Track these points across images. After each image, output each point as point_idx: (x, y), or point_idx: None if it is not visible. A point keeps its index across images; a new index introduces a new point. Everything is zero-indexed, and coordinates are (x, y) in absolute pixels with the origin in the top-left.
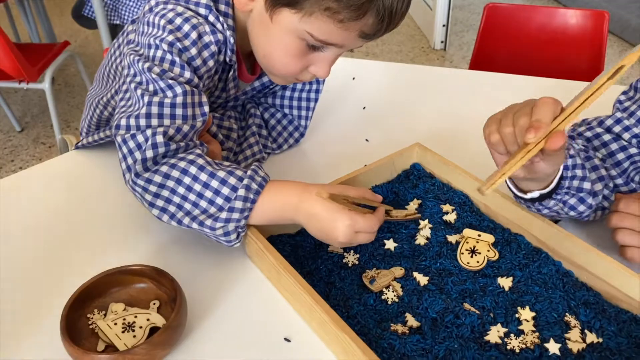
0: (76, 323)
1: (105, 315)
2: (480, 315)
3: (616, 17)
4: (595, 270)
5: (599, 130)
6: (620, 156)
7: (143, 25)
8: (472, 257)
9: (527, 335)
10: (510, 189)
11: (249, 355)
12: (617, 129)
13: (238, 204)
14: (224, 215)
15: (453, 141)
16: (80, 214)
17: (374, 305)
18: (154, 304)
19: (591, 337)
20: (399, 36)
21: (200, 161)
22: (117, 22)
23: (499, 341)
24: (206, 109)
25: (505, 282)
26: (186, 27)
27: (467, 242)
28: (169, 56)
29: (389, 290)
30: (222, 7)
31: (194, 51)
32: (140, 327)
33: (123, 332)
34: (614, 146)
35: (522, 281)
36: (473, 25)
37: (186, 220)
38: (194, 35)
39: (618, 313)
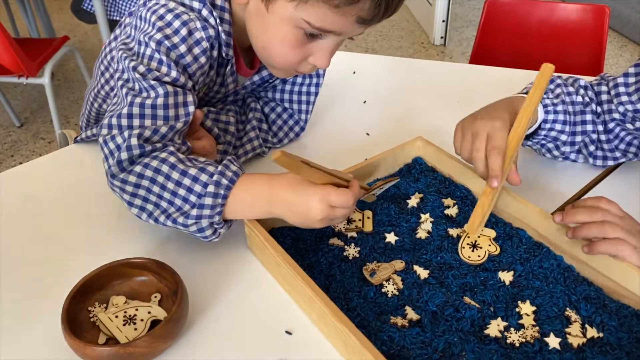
0: (77, 316)
1: (106, 308)
2: (481, 309)
3: (616, 13)
4: (597, 265)
5: (604, 88)
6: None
7: (136, 19)
8: (473, 251)
9: (527, 329)
10: None
11: (251, 348)
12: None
13: (208, 201)
14: (194, 212)
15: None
16: (81, 208)
17: (374, 298)
18: (155, 296)
19: (592, 332)
20: (398, 31)
21: (172, 159)
22: (117, 17)
23: (499, 335)
24: (191, 108)
25: (506, 277)
26: (176, 24)
27: (469, 237)
28: (156, 55)
29: (389, 284)
30: (218, 1)
31: (183, 48)
32: (142, 320)
33: (124, 324)
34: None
35: (523, 275)
36: (473, 21)
37: (162, 218)
38: (183, 31)
39: (619, 308)
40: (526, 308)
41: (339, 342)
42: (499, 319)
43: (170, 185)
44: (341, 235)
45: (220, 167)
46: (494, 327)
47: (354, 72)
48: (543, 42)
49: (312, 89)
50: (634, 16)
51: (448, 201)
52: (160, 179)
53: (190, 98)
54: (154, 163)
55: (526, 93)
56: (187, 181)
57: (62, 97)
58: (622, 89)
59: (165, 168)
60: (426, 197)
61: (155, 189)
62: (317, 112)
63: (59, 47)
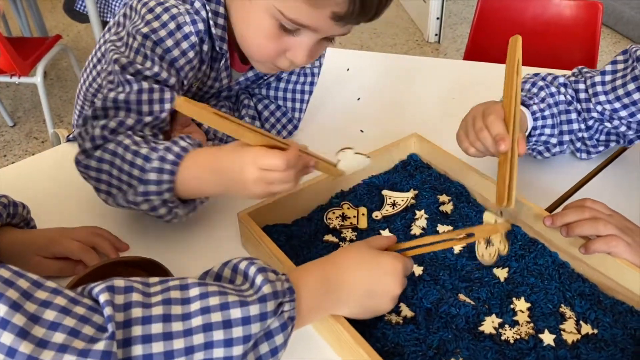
0: None
1: None
2: (475, 305)
3: (610, 9)
4: (592, 261)
5: (582, 86)
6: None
7: (127, 8)
8: (486, 248)
9: (521, 326)
10: None
11: None
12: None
13: (152, 176)
14: (141, 188)
15: (448, 132)
16: (74, 207)
17: None
18: None
19: (586, 329)
20: (393, 29)
21: (127, 141)
22: (109, 19)
23: (494, 332)
24: (167, 106)
25: (501, 273)
26: (165, 17)
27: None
28: (142, 49)
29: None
30: None
31: (170, 42)
32: None
33: None
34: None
35: (518, 272)
36: (467, 18)
37: (121, 200)
38: (172, 25)
39: (614, 304)
40: (521, 305)
41: (332, 339)
42: (494, 315)
43: (125, 166)
44: (335, 232)
45: (168, 143)
46: (489, 324)
47: (348, 69)
48: (536, 38)
49: (307, 88)
50: (628, 12)
51: (443, 197)
52: (117, 161)
53: (167, 95)
54: (111, 146)
55: None
56: (139, 161)
57: (54, 96)
58: (599, 88)
59: (120, 150)
60: (421, 194)
61: (114, 171)
62: (310, 109)
63: (52, 46)
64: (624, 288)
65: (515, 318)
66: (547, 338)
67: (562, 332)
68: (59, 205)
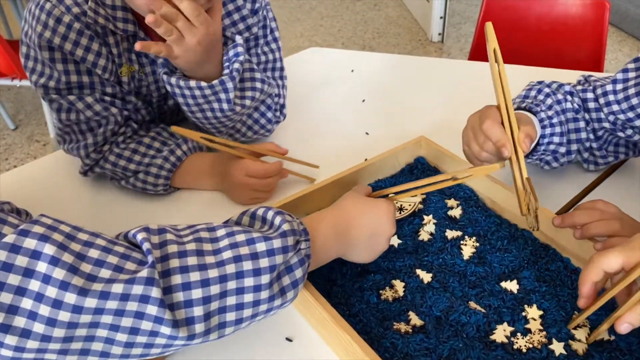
0: None
1: None
2: (486, 313)
3: (615, 7)
4: None
5: (590, 95)
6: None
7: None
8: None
9: (534, 334)
10: None
11: (251, 355)
12: (601, 101)
13: (153, 170)
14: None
15: (455, 133)
16: (74, 210)
17: (377, 303)
18: None
19: (601, 337)
20: (396, 28)
21: (132, 146)
22: None
23: (505, 340)
24: (113, 110)
25: (511, 286)
26: (43, 17)
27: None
28: (39, 58)
29: (387, 290)
30: None
31: (57, 40)
32: None
33: None
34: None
35: (529, 278)
36: (471, 17)
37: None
38: (51, 22)
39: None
40: (533, 312)
41: (340, 350)
42: (505, 324)
43: (138, 166)
44: None
45: (172, 146)
46: (500, 333)
47: (352, 71)
48: (542, 37)
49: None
50: (633, 10)
51: (451, 202)
52: (131, 165)
53: (90, 99)
54: (112, 158)
55: (517, 109)
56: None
57: None
58: (611, 97)
59: (127, 157)
60: (429, 198)
61: (132, 165)
62: (314, 111)
63: None
64: None
65: (527, 326)
66: (560, 347)
67: (575, 340)
68: (61, 210)
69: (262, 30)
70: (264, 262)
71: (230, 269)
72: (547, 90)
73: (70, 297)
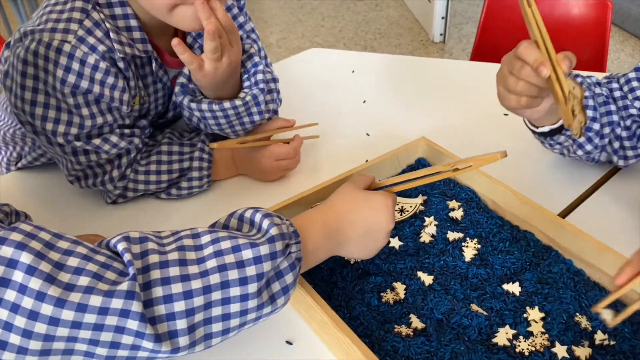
0: None
1: None
2: (488, 316)
3: (617, 7)
4: (608, 269)
5: (615, 85)
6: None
7: (21, 63)
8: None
9: (536, 337)
10: (525, 123)
11: (251, 358)
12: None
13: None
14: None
15: (456, 134)
16: (74, 213)
17: (377, 306)
18: None
19: (603, 339)
20: (397, 29)
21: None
22: None
23: (507, 343)
24: (137, 139)
25: (513, 288)
26: (63, 60)
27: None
28: (62, 105)
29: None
30: (101, 0)
31: (85, 83)
32: None
33: None
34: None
35: (532, 281)
36: (472, 17)
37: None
38: (75, 65)
39: (633, 314)
40: (535, 314)
41: (341, 353)
42: (507, 326)
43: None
44: None
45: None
46: (502, 336)
47: (353, 71)
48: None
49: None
50: (635, 10)
51: (453, 203)
52: (162, 176)
53: (115, 138)
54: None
55: None
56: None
57: None
58: (635, 84)
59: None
60: (430, 199)
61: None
62: (315, 113)
63: None
64: None
65: (529, 329)
66: (562, 350)
67: (578, 344)
68: (62, 211)
69: (249, 24)
70: (250, 270)
71: (215, 278)
72: (579, 79)
73: (46, 309)
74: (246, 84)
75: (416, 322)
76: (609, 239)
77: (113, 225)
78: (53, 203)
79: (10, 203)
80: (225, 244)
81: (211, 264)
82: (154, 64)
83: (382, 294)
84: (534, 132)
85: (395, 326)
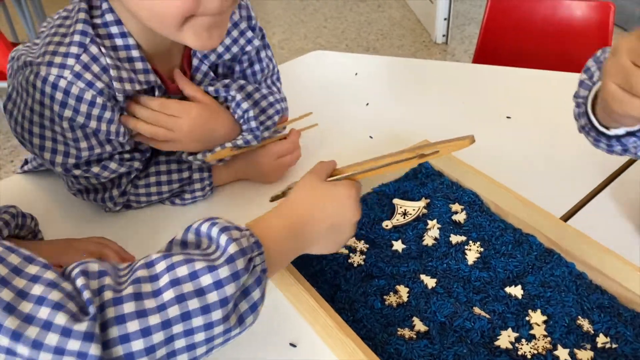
0: None
1: None
2: (491, 319)
3: (619, 8)
4: (611, 272)
5: None
6: None
7: (25, 93)
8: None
9: (538, 340)
10: (591, 121)
11: None
12: None
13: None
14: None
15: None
16: (79, 216)
17: (381, 308)
18: None
19: (606, 343)
20: (399, 30)
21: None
22: None
23: (510, 346)
24: (133, 163)
25: (515, 291)
26: (59, 95)
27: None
28: (58, 137)
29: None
30: (102, 31)
31: (80, 119)
32: None
33: None
34: None
35: (534, 284)
36: (475, 18)
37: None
38: (71, 101)
39: (634, 317)
40: (537, 317)
41: (344, 355)
42: (510, 329)
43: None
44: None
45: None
46: (505, 338)
47: (356, 74)
48: (547, 39)
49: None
50: (638, 12)
51: (456, 206)
52: (163, 187)
53: (114, 165)
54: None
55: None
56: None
57: None
58: None
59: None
60: (433, 203)
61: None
62: (318, 115)
63: None
64: None
65: (531, 332)
66: (564, 353)
67: (580, 346)
68: (65, 212)
69: (262, 40)
70: (212, 297)
71: (174, 311)
72: None
73: (2, 340)
74: (245, 127)
75: (419, 325)
76: (611, 242)
77: (119, 227)
78: (60, 205)
79: (17, 205)
80: (182, 271)
81: (168, 295)
82: (157, 92)
83: (385, 296)
84: (602, 133)
85: (399, 329)
